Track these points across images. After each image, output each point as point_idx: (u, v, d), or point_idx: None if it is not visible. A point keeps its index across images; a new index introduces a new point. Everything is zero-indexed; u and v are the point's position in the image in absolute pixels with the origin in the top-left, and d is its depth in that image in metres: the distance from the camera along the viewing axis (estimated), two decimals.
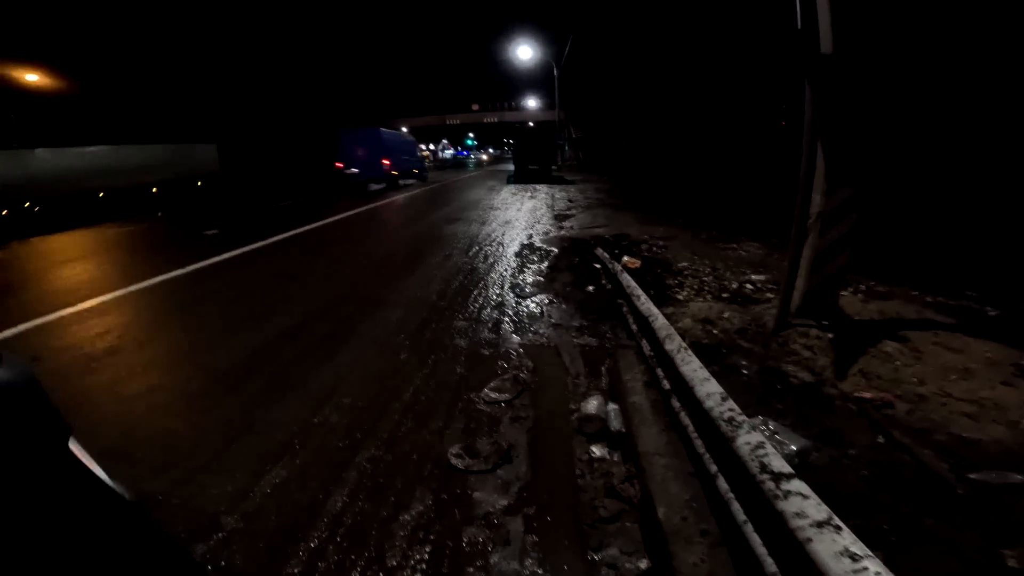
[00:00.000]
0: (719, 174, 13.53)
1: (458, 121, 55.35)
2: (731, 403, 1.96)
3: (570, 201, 11.43)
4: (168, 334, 3.80)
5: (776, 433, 2.24)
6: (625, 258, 4.96)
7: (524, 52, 29.02)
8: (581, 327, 3.72)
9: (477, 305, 4.21)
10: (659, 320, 2.90)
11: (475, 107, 54.68)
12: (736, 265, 5.15)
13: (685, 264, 5.17)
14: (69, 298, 4.62)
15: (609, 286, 4.59)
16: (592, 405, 2.67)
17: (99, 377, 3.07)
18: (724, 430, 1.84)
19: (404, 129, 53.03)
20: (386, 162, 17.45)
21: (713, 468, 1.96)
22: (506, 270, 5.33)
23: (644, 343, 3.14)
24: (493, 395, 2.85)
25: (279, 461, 2.25)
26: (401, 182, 19.02)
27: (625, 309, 3.83)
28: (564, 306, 4.15)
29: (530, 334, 3.60)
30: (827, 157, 3.00)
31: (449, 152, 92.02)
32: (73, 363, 3.26)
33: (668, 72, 17.32)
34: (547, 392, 2.88)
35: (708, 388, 2.06)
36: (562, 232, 7.39)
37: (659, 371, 2.77)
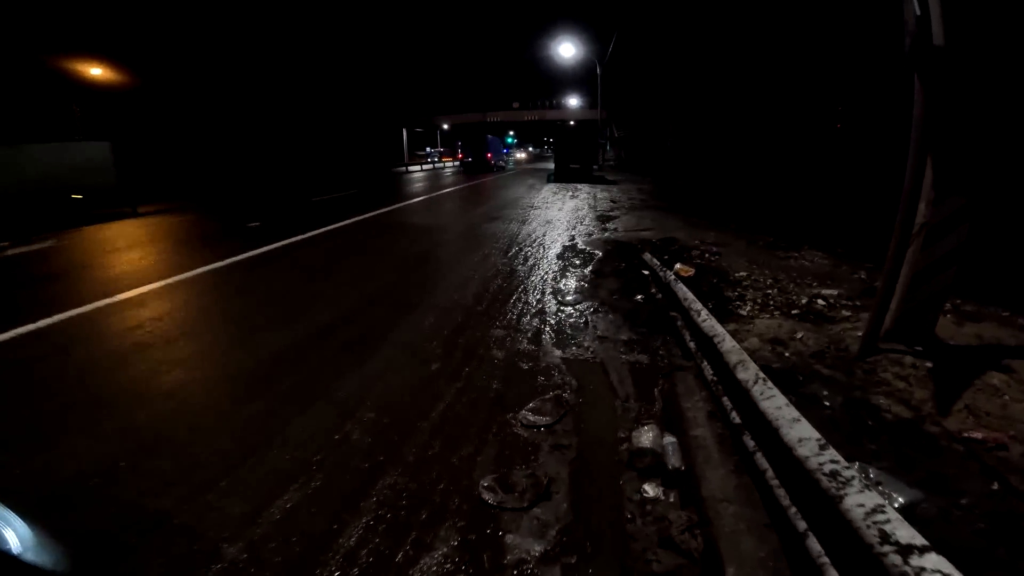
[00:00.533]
0: (769, 177, 12.77)
1: (499, 118, 55.11)
2: (832, 452, 1.60)
3: (613, 202, 10.99)
4: (201, 330, 3.70)
5: (878, 482, 1.88)
6: (677, 265, 4.56)
7: (566, 50, 28.44)
8: (630, 342, 3.36)
9: (516, 311, 3.91)
10: (727, 342, 2.53)
11: (516, 105, 54.39)
12: (800, 276, 4.66)
13: (743, 274, 4.71)
14: (131, 282, 4.77)
15: (660, 296, 4.20)
16: (646, 436, 2.34)
17: (127, 373, 2.96)
18: (825, 486, 1.48)
19: (445, 126, 54.89)
20: (488, 156, 28.43)
21: (801, 525, 1.61)
22: (547, 274, 5.01)
23: (705, 365, 2.77)
24: (532, 418, 2.55)
25: (294, 482, 2.03)
26: (495, 170, 28.66)
27: (680, 323, 3.46)
28: (610, 316, 3.80)
29: (573, 347, 3.27)
30: (936, 162, 2.54)
31: None
32: (106, 356, 3.18)
33: (716, 72, 16.56)
34: (593, 417, 2.56)
35: (800, 431, 1.69)
36: (606, 234, 7.00)
37: (726, 400, 2.40)
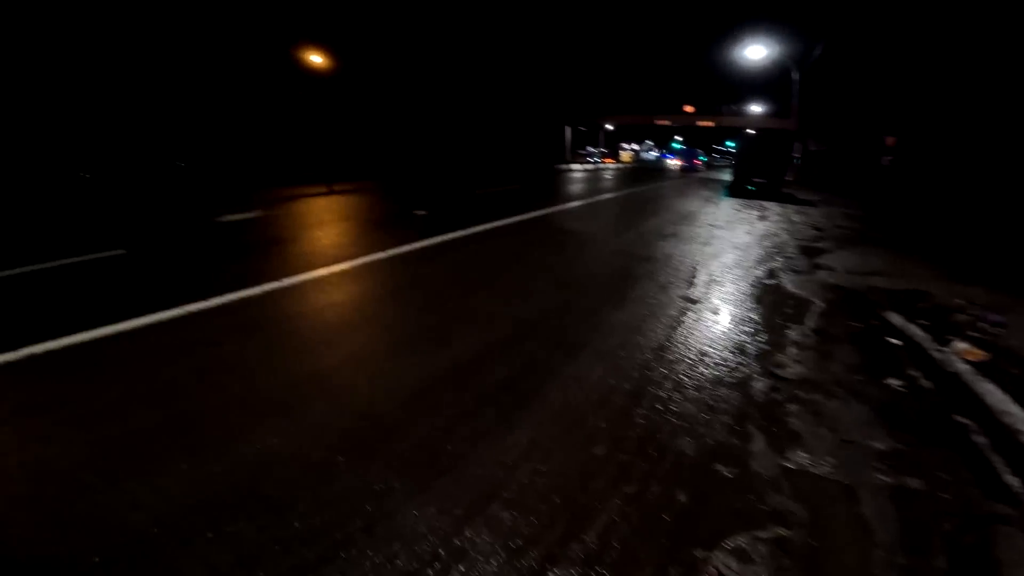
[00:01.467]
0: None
1: (668, 122, 51.74)
2: None
3: (817, 229, 8.98)
4: (341, 339, 3.49)
5: None
6: (962, 345, 3.11)
7: (755, 52, 25.04)
8: (891, 454, 2.22)
9: (709, 377, 2.94)
10: None
11: (688, 109, 50.57)
12: None
13: None
14: (294, 267, 5.10)
15: (927, 383, 2.89)
16: None
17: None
18: None
19: (609, 126, 56.16)
20: (697, 162, 44.30)
21: None
22: (747, 323, 3.86)
23: None
24: (736, 566, 1.67)
25: None
26: (697, 172, 39.24)
27: (983, 441, 2.21)
28: (853, 408, 2.63)
29: (800, 451, 2.24)
30: None
31: (653, 154, 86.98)
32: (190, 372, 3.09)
33: (957, 74, 13.01)
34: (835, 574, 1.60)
35: None
36: (819, 275, 5.45)
37: None
